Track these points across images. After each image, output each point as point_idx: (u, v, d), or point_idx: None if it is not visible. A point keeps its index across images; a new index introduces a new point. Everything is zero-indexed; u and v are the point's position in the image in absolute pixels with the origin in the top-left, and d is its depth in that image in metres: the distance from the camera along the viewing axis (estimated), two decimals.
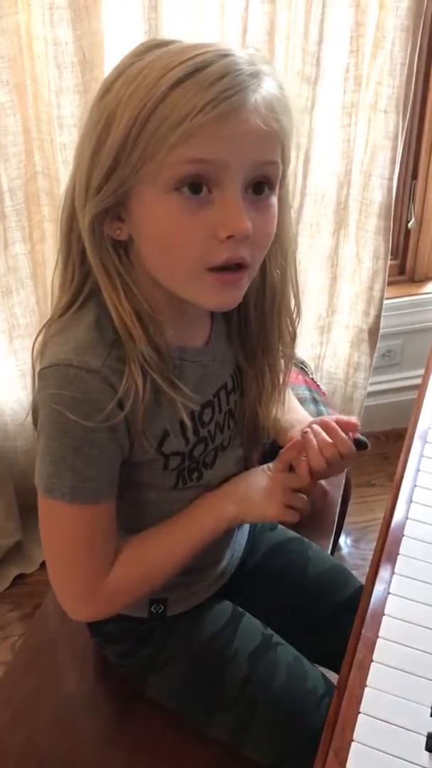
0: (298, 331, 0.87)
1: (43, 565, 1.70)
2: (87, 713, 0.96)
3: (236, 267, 0.70)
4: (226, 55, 0.65)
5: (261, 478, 0.87)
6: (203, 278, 0.70)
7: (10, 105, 1.31)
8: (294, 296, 0.84)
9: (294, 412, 0.97)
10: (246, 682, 0.88)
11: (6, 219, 1.39)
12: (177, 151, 0.65)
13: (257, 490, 0.85)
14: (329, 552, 1.19)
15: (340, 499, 1.27)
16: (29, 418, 0.79)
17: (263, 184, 0.70)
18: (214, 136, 0.65)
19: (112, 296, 0.72)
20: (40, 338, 0.78)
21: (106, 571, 0.78)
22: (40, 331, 0.78)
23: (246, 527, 1.02)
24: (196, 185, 0.66)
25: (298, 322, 0.86)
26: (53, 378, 0.70)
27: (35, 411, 0.75)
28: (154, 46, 0.68)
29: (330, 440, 0.82)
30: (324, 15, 1.38)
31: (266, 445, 0.93)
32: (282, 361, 0.88)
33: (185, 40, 0.69)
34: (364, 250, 1.63)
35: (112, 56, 1.30)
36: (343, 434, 0.82)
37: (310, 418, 0.94)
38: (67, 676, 1.01)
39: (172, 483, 0.82)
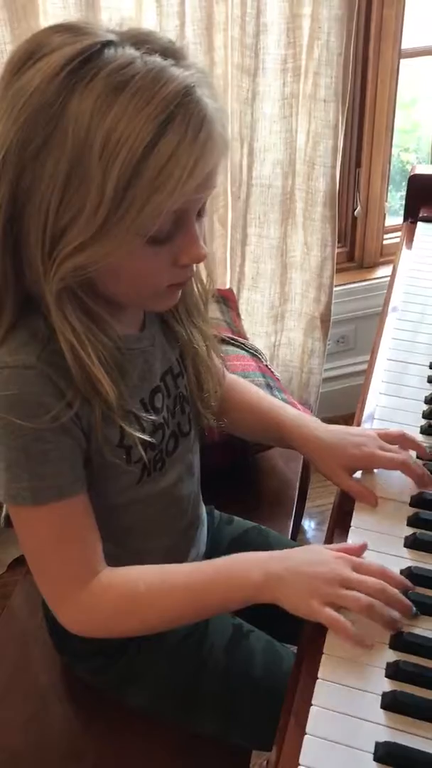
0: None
1: (11, 566, 1.70)
2: (58, 704, 0.97)
3: None
4: (191, 90, 0.63)
5: (318, 556, 0.73)
6: (163, 293, 0.75)
7: None
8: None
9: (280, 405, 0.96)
10: (226, 676, 0.89)
11: None
12: (163, 206, 0.64)
13: (304, 569, 0.71)
14: (290, 534, 1.21)
15: (298, 480, 1.29)
16: None
17: (204, 203, 0.72)
18: (192, 185, 0.65)
19: (79, 353, 0.69)
20: None
21: (84, 577, 0.74)
22: None
23: (206, 524, 1.02)
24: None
25: (210, 285, 0.86)
26: None
27: None
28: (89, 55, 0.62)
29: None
30: (260, 8, 1.40)
31: (219, 427, 0.93)
32: (207, 329, 0.88)
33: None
34: (312, 239, 1.66)
35: None
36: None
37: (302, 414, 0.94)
38: (37, 670, 1.01)
39: (137, 476, 0.80)
